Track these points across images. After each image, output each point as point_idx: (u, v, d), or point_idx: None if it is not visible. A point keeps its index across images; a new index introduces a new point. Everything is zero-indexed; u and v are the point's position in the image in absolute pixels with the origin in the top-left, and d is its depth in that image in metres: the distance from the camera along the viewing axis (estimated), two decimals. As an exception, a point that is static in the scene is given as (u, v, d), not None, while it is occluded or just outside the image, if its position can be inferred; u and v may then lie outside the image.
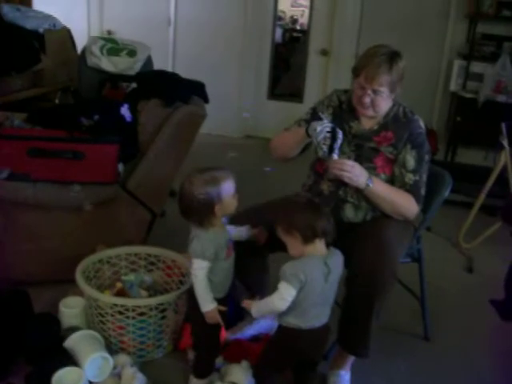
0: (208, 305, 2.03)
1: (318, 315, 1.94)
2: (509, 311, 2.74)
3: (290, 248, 1.95)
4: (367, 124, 2.34)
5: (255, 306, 1.97)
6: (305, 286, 1.86)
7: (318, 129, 2.13)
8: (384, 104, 2.28)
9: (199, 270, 2.00)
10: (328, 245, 1.96)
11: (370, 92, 2.22)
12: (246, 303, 2.02)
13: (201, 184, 1.98)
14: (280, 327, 1.99)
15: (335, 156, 2.16)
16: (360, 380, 2.33)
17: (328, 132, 2.13)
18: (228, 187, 2.02)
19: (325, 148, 2.14)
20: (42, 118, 3.06)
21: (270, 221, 2.20)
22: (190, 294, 2.13)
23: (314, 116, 2.41)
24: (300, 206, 1.96)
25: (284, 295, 1.87)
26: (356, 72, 2.27)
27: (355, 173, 2.15)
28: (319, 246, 1.92)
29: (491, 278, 3.33)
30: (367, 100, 2.24)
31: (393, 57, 2.22)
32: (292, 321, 1.93)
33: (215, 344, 2.21)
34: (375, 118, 2.33)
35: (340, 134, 2.14)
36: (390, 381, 2.39)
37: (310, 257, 1.90)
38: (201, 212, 1.99)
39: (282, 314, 1.94)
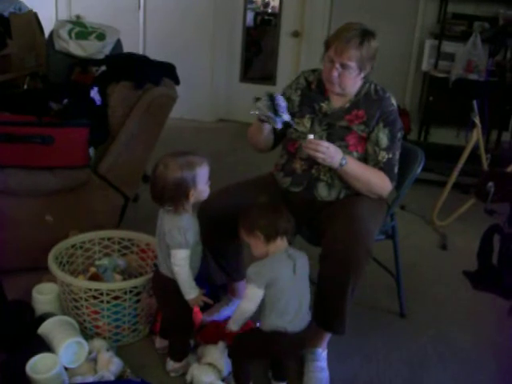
0: (194, 291, 2.05)
1: (297, 313, 1.96)
2: (480, 281, 2.79)
3: (254, 249, 1.99)
4: (338, 102, 2.33)
5: (231, 321, 2.03)
6: (275, 283, 1.90)
7: (260, 105, 2.13)
8: (351, 82, 2.26)
9: (184, 259, 2.01)
10: (289, 243, 2.01)
11: (338, 66, 2.21)
12: (226, 329, 2.07)
13: (176, 168, 1.96)
14: (261, 332, 1.99)
15: (310, 136, 2.13)
16: (337, 358, 2.34)
17: (268, 101, 2.12)
18: (203, 173, 2.01)
19: (274, 117, 2.12)
20: (10, 104, 3.00)
21: (244, 202, 2.20)
22: (161, 282, 2.13)
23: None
24: (261, 207, 2.01)
25: (250, 296, 1.92)
26: (327, 45, 2.26)
27: (330, 154, 2.13)
28: (281, 244, 1.96)
29: (465, 254, 3.38)
30: (335, 74, 2.22)
31: (365, 34, 2.20)
32: (275, 322, 1.94)
33: (190, 326, 2.22)
34: (346, 96, 2.32)
35: (280, 99, 2.13)
36: (367, 358, 2.41)
37: (273, 255, 1.95)
38: (175, 196, 1.98)
39: (263, 319, 1.96)
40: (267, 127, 2.27)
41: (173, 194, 1.97)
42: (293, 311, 1.95)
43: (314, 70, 2.43)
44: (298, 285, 1.96)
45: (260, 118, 2.19)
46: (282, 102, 2.13)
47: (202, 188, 2.02)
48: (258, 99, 2.18)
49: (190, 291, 2.05)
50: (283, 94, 2.38)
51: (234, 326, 2.03)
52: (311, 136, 2.14)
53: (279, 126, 2.15)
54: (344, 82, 2.24)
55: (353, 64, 2.19)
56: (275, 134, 2.40)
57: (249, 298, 1.93)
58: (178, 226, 2.00)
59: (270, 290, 1.91)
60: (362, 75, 2.27)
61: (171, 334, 2.22)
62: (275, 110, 2.12)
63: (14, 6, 4.30)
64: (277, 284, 1.90)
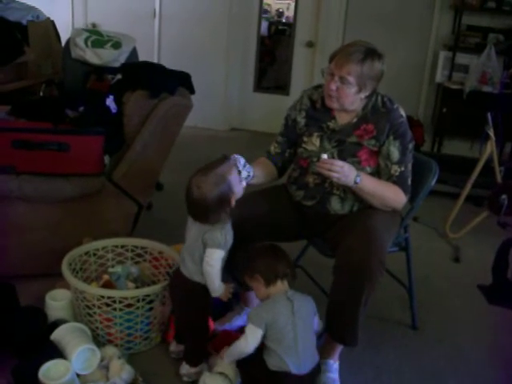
0: (221, 289, 2.10)
1: (300, 355, 1.96)
2: (495, 295, 2.77)
3: (256, 291, 2.08)
4: (344, 119, 2.31)
5: (226, 353, 2.07)
6: (274, 324, 1.94)
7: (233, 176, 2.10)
8: (349, 98, 2.22)
9: (218, 260, 2.05)
10: (290, 286, 2.06)
11: (336, 79, 2.19)
12: (221, 353, 2.12)
13: (211, 187, 1.99)
14: (267, 371, 1.98)
15: (324, 156, 2.12)
16: (349, 369, 2.33)
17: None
18: (234, 177, 2.05)
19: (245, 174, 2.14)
20: (26, 110, 3.02)
21: (257, 211, 2.20)
22: (182, 282, 2.14)
23: (287, 124, 2.43)
24: (261, 252, 2.07)
25: (248, 336, 1.97)
26: (330, 58, 2.26)
27: (344, 173, 2.11)
28: (281, 286, 2.03)
29: (478, 267, 3.36)
30: (333, 87, 2.20)
31: (370, 52, 2.19)
32: (278, 363, 1.95)
33: (207, 331, 2.25)
34: (353, 112, 2.29)
35: (241, 161, 2.14)
36: (379, 370, 2.40)
37: (273, 297, 2.00)
38: (218, 210, 2.01)
39: (267, 358, 1.97)
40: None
41: (217, 209, 2.01)
42: (297, 353, 1.96)
43: (316, 87, 2.42)
44: (298, 326, 1.97)
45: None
46: (239, 164, 2.13)
47: (238, 189, 2.06)
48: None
49: (218, 289, 2.09)
50: (287, 117, 2.42)
51: (226, 359, 2.08)
52: (325, 156, 2.13)
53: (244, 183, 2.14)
54: (342, 98, 2.22)
55: (351, 79, 2.17)
56: (281, 165, 2.44)
57: (246, 338, 1.97)
58: (221, 227, 2.04)
59: (270, 332, 1.95)
60: (363, 95, 2.24)
61: (187, 338, 2.23)
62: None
63: (32, 14, 4.35)
64: (276, 325, 1.94)
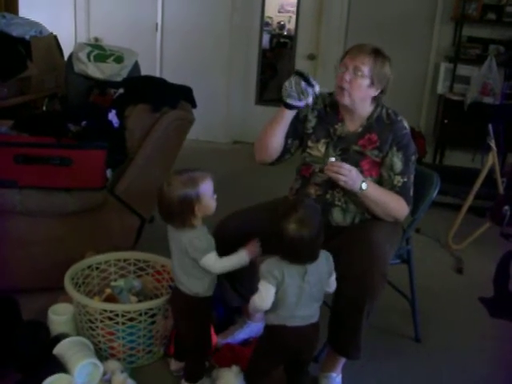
0: (244, 257, 2.09)
1: (303, 316, 1.94)
2: (497, 308, 2.76)
3: None
4: (351, 126, 2.34)
5: (250, 305, 2.00)
6: (281, 284, 1.88)
7: (286, 84, 2.18)
8: (361, 93, 2.25)
9: (215, 261, 2.04)
10: None
11: (350, 69, 2.22)
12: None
13: (179, 185, 1.99)
14: (266, 326, 2.01)
15: (332, 158, 2.15)
16: (351, 382, 2.33)
17: (297, 78, 2.15)
18: (206, 187, 2.03)
19: (305, 87, 2.15)
20: (29, 125, 3.04)
21: (260, 224, 2.20)
22: (181, 300, 2.13)
23: (298, 115, 2.39)
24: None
25: (262, 293, 1.90)
26: (343, 57, 2.30)
27: (352, 177, 2.13)
28: None
29: (481, 278, 3.35)
30: (347, 77, 2.22)
31: (380, 51, 2.26)
32: (275, 320, 1.94)
33: (208, 347, 2.23)
34: (359, 120, 2.33)
35: (304, 72, 2.16)
36: (382, 383, 2.39)
37: None
38: (181, 213, 2.00)
39: (267, 313, 1.96)
40: (290, 114, 2.29)
41: (179, 211, 2.00)
42: (296, 315, 1.93)
43: (330, 93, 2.45)
44: (307, 292, 1.92)
45: (289, 96, 2.20)
46: (309, 77, 2.15)
47: (207, 203, 2.03)
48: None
49: (244, 260, 2.08)
50: (300, 111, 2.39)
51: (251, 310, 2.07)
52: (333, 159, 2.15)
53: (310, 99, 2.18)
54: (354, 91, 2.24)
55: (365, 69, 2.21)
56: (284, 147, 2.40)
57: (261, 295, 1.91)
58: (196, 236, 2.03)
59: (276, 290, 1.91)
60: (372, 93, 2.27)
61: (188, 355, 2.22)
62: (308, 81, 2.14)
63: (35, 30, 4.38)
64: (282, 287, 1.89)
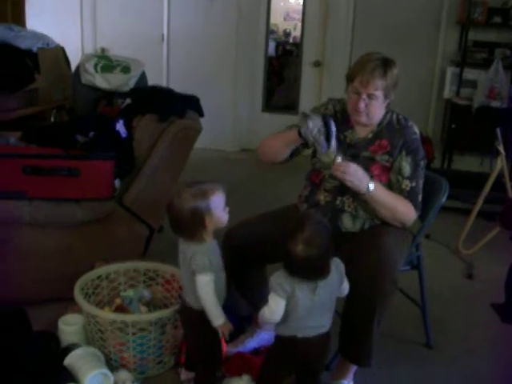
0: (221, 317, 2.02)
1: (313, 326, 1.92)
2: (509, 313, 2.74)
3: None
4: (361, 132, 2.34)
5: (260, 317, 1.98)
6: (292, 297, 1.86)
7: (311, 125, 2.12)
8: (378, 111, 2.28)
9: (209, 284, 1.99)
10: None
11: (364, 97, 2.23)
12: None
13: (189, 197, 1.97)
14: (276, 337, 1.99)
15: (339, 158, 2.14)
16: (363, 390, 2.32)
17: (321, 125, 2.12)
18: (217, 200, 2.00)
19: (323, 141, 2.12)
20: (37, 136, 3.06)
21: (268, 233, 2.20)
22: (188, 314, 2.12)
23: None
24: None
25: (273, 307, 1.88)
26: (351, 78, 2.28)
27: (358, 177, 2.14)
28: None
29: (491, 283, 3.33)
30: (362, 105, 2.24)
31: (387, 62, 2.24)
32: (286, 331, 1.92)
33: (218, 358, 2.21)
34: (369, 126, 2.33)
35: (332, 124, 2.13)
36: (394, 390, 2.38)
37: None
38: (191, 226, 1.98)
39: (277, 324, 1.93)
40: (297, 144, 2.28)
41: (189, 224, 1.98)
42: (307, 326, 1.90)
43: (339, 100, 2.45)
44: (318, 305, 1.90)
45: (304, 136, 2.18)
46: (333, 128, 2.13)
47: (218, 215, 2.01)
48: (306, 115, 2.17)
49: (218, 317, 2.01)
50: (309, 115, 2.40)
51: (260, 322, 2.05)
52: (339, 159, 2.15)
53: (323, 150, 2.15)
54: (372, 112, 2.26)
55: (379, 93, 2.22)
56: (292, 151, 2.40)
57: (271, 309, 1.88)
58: (202, 251, 2.00)
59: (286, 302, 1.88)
60: (386, 103, 2.30)
61: (198, 366, 2.21)
62: (327, 135, 2.12)
63: (43, 42, 4.41)
64: (293, 300, 1.86)
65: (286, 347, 1.96)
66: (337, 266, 1.94)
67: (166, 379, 2.36)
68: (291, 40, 6.39)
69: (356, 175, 2.13)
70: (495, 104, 4.93)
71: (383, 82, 2.21)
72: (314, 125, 2.12)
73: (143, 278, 2.66)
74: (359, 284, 2.03)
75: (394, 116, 2.35)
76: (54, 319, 2.49)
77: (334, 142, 2.14)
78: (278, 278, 1.88)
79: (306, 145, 2.32)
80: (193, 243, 2.02)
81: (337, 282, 1.95)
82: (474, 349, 2.72)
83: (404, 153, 2.28)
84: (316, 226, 1.87)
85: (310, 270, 1.85)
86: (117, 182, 2.83)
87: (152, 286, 2.66)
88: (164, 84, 5.99)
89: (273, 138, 2.44)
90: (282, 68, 6.56)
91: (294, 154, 2.42)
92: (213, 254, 2.02)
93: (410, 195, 2.28)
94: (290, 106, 6.36)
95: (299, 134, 2.20)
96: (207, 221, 1.98)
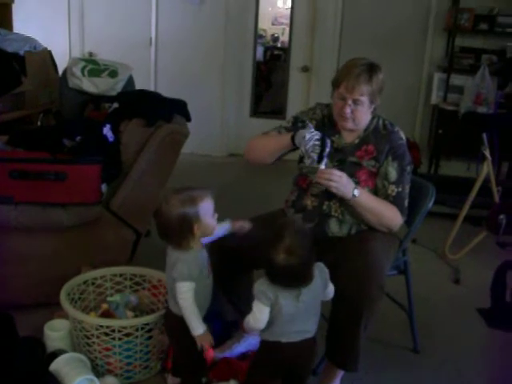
0: (201, 327, 2.00)
1: (298, 331, 1.91)
2: (495, 319, 2.75)
3: None
4: (348, 138, 2.35)
5: (245, 324, 1.97)
6: (275, 305, 1.86)
7: (307, 137, 2.12)
8: (364, 116, 2.29)
9: (188, 292, 1.97)
10: None
11: (350, 102, 2.24)
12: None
13: (178, 204, 1.95)
14: (261, 342, 1.99)
15: (323, 165, 2.14)
16: (350, 395, 2.32)
17: (317, 140, 2.12)
18: (206, 207, 1.99)
19: (314, 156, 2.12)
20: (24, 140, 3.03)
21: (256, 236, 2.19)
22: (172, 318, 2.11)
23: (296, 125, 2.41)
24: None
25: (257, 315, 1.87)
26: (336, 83, 2.29)
27: (342, 183, 2.14)
28: None
29: (478, 288, 3.35)
30: (348, 110, 2.25)
31: (372, 68, 2.25)
32: (270, 337, 1.92)
33: (202, 364, 2.19)
34: (356, 132, 2.34)
35: (329, 143, 2.13)
36: (381, 394, 2.38)
37: None
38: (179, 233, 1.97)
39: (261, 330, 1.93)
40: (288, 149, 2.29)
41: (177, 231, 1.96)
42: (292, 331, 1.90)
43: (327, 105, 2.46)
44: (302, 311, 1.89)
45: (297, 145, 2.19)
46: (328, 148, 2.13)
47: (207, 222, 1.99)
48: (305, 125, 2.20)
49: (197, 327, 1.99)
50: (297, 118, 2.42)
51: (245, 329, 2.02)
52: (322, 166, 2.15)
53: (311, 164, 2.15)
54: (358, 118, 2.27)
55: (365, 99, 2.23)
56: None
57: (255, 316, 1.88)
58: (183, 259, 1.98)
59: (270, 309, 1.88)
60: (372, 108, 2.31)
61: (183, 372, 2.20)
62: (321, 153, 2.12)
63: (30, 45, 4.39)
64: (277, 307, 1.86)
65: (271, 352, 1.96)
66: (320, 270, 1.93)
67: (153, 384, 2.36)
68: (279, 45, 6.43)
69: (341, 182, 2.14)
70: (481, 109, 4.96)
71: (369, 88, 2.22)
72: (311, 138, 2.13)
73: (130, 283, 2.65)
74: (346, 289, 2.03)
75: (381, 121, 2.37)
76: (39, 324, 2.47)
77: (324, 162, 2.14)
78: (262, 286, 1.87)
79: (295, 149, 2.33)
80: (177, 251, 2.01)
81: (321, 287, 1.94)
82: (461, 353, 2.73)
83: (390, 158, 2.29)
84: (296, 234, 1.86)
85: (292, 278, 1.84)
86: (104, 187, 2.81)
87: (139, 291, 2.65)
88: (152, 88, 5.98)
89: (262, 139, 2.44)
90: (269, 73, 6.59)
91: (282, 155, 2.42)
92: (195, 264, 1.99)
93: (396, 200, 2.28)
94: (278, 111, 6.38)
95: (292, 140, 2.21)
96: (196, 228, 1.97)
